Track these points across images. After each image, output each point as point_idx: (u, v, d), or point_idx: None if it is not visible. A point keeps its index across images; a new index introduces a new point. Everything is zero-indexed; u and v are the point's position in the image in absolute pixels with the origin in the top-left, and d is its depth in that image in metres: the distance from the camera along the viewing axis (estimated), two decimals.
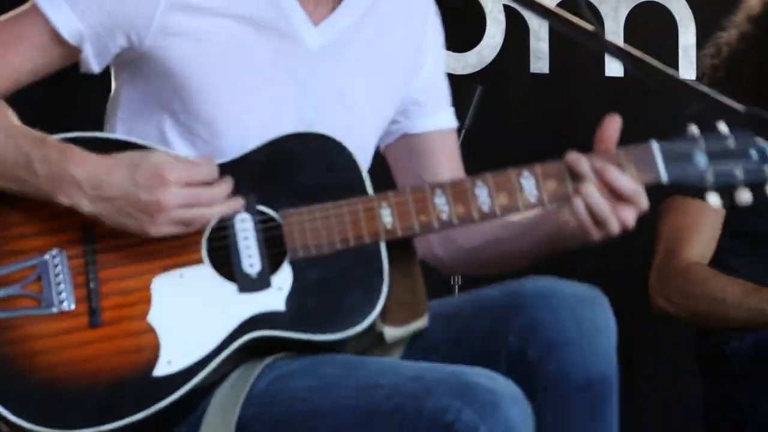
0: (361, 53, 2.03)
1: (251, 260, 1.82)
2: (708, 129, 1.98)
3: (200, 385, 1.76)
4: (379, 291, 1.82)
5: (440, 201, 1.87)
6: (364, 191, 1.88)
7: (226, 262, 1.83)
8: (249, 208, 1.83)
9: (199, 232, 1.81)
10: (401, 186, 2.09)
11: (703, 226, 2.77)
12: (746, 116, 1.53)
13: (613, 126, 1.90)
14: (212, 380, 1.79)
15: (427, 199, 1.87)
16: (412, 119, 2.14)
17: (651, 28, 4.04)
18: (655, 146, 1.90)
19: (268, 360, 1.80)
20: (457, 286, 3.30)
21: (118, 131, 1.96)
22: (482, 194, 1.87)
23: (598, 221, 1.86)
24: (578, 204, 1.86)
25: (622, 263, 3.60)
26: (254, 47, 1.94)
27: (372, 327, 1.83)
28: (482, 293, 1.93)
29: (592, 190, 1.86)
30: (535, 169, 1.88)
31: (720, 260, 2.87)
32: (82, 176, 1.77)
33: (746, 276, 2.86)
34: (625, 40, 3.89)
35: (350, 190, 1.87)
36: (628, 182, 1.86)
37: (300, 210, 1.84)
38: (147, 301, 1.81)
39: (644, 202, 1.88)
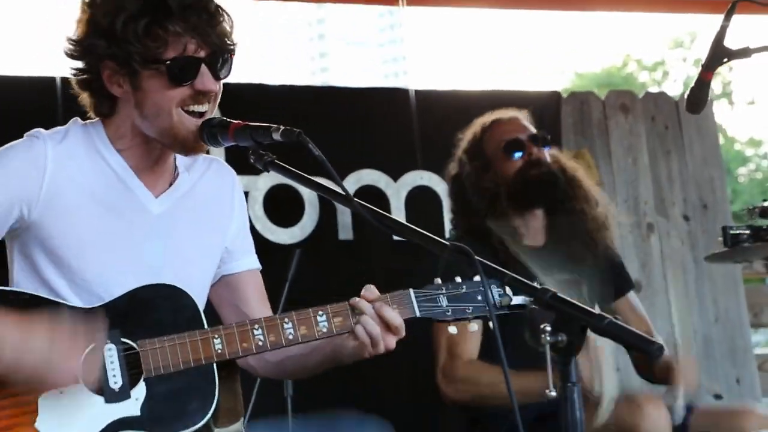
0: (190, 217, 2.48)
1: (115, 378, 2.25)
2: (452, 278, 2.42)
3: None
4: (212, 399, 2.28)
5: (258, 332, 2.31)
6: (201, 325, 2.33)
7: (96, 380, 2.24)
8: (114, 340, 2.26)
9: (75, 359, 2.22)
10: (224, 319, 2.53)
11: (468, 335, 3.24)
12: (451, 248, 1.96)
13: (373, 291, 2.39)
14: None
15: (248, 331, 2.31)
16: (227, 263, 2.58)
17: (423, 203, 4.98)
18: (411, 292, 2.41)
19: None
20: (289, 398, 3.82)
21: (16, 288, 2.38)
22: (289, 327, 2.33)
23: (373, 343, 2.34)
24: (360, 330, 2.33)
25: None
26: (112, 217, 2.38)
27: (207, 425, 2.29)
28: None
29: (370, 321, 2.34)
30: (327, 309, 2.36)
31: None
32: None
33: None
34: (406, 213, 4.83)
35: (191, 325, 2.31)
36: (395, 316, 2.35)
37: (153, 340, 2.27)
38: (34, 411, 2.23)
39: (403, 332, 2.36)
